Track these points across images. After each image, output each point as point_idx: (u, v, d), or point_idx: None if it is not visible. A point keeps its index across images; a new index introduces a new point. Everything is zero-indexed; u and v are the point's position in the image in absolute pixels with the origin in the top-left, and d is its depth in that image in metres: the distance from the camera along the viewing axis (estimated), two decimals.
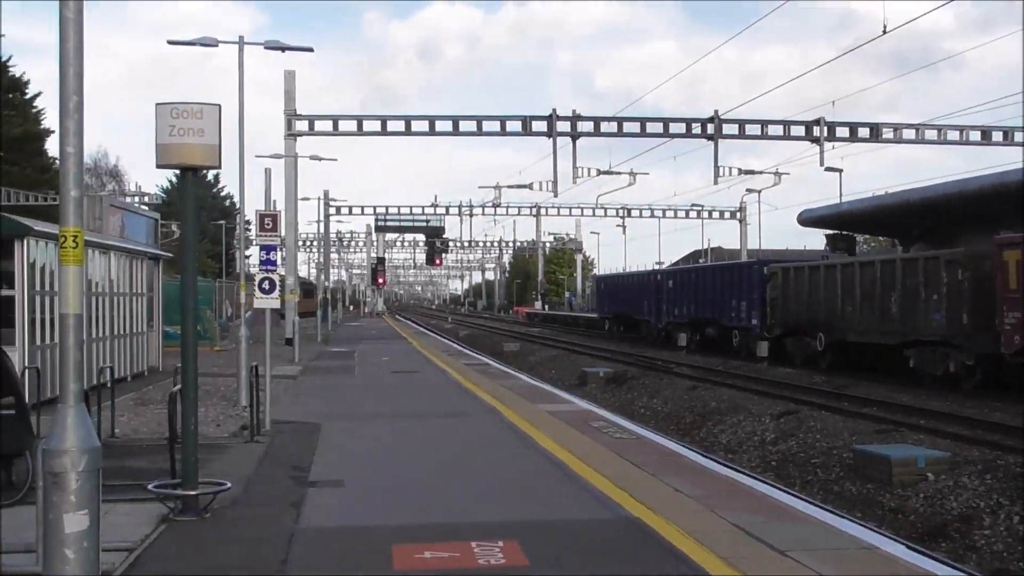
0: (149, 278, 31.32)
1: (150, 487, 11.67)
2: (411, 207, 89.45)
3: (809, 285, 39.28)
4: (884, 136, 49.92)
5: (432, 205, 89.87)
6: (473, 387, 26.63)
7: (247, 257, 68.23)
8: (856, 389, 30.36)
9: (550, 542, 9.99)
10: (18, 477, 12.07)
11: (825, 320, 37.76)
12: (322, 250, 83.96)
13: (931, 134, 49.86)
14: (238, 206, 29.17)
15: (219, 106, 11.57)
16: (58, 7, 7.15)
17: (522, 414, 20.47)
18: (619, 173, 61.82)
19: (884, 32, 35.09)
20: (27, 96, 69.66)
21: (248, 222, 50.94)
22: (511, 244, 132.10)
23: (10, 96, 68.84)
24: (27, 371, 17.09)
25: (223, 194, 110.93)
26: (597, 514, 11.27)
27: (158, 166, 11.71)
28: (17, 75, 70.18)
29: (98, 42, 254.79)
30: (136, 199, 75.93)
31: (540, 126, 49.49)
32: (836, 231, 47.28)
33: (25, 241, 20.36)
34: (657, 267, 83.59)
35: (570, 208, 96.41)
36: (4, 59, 69.76)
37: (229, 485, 12.04)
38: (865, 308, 34.89)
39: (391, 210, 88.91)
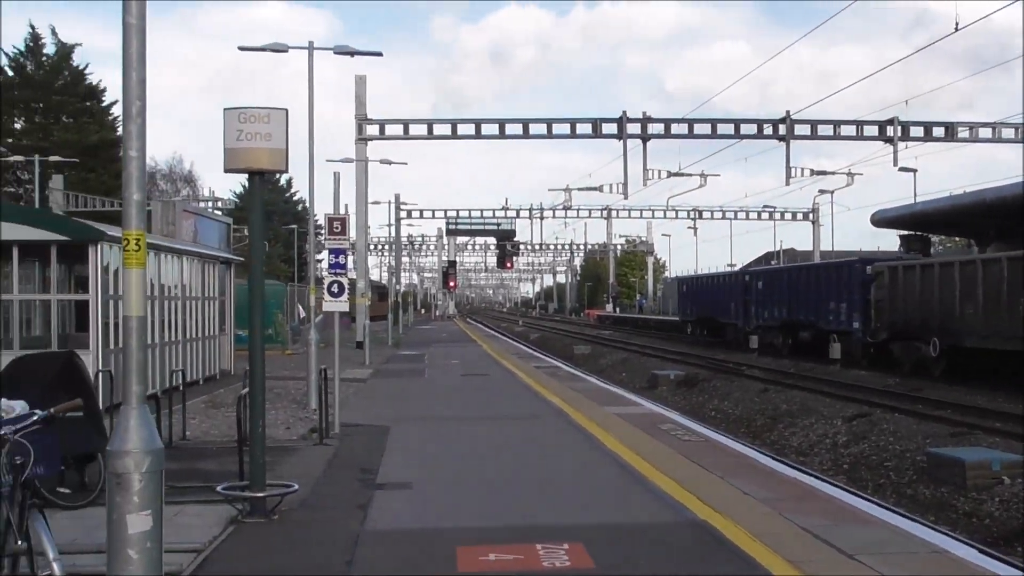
0: (221, 282, 31.61)
1: (218, 489, 11.76)
2: (482, 210, 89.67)
3: (921, 285, 35.95)
4: (959, 135, 49.29)
5: (503, 208, 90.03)
6: (542, 390, 26.59)
7: (318, 261, 68.70)
8: (931, 391, 29.93)
9: (616, 545, 9.93)
10: (91, 479, 12.21)
11: (940, 323, 34.44)
12: (393, 254, 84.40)
13: (1008, 132, 49.19)
14: (310, 211, 29.31)
15: (286, 110, 11.63)
16: (121, 13, 7.20)
17: (590, 416, 20.39)
18: (689, 175, 61.63)
19: (956, 29, 34.58)
20: (103, 104, 70.69)
21: (319, 226, 51.35)
22: (582, 247, 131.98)
23: (87, 104, 70.00)
24: (100, 374, 17.31)
25: (295, 198, 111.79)
26: (664, 517, 11.18)
27: (226, 170, 11.81)
28: (94, 83, 71.29)
29: (176, 49, 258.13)
30: (209, 204, 76.72)
31: (610, 128, 49.44)
32: (910, 232, 46.49)
33: (99, 246, 20.62)
34: (729, 269, 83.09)
35: (640, 210, 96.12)
36: (81, 67, 70.95)
37: (296, 487, 12.10)
38: (988, 310, 31.81)
39: (462, 213, 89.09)
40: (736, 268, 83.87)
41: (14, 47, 70.29)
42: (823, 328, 43.50)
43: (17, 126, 68.55)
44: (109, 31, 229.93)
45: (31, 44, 69.60)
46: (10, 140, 66.03)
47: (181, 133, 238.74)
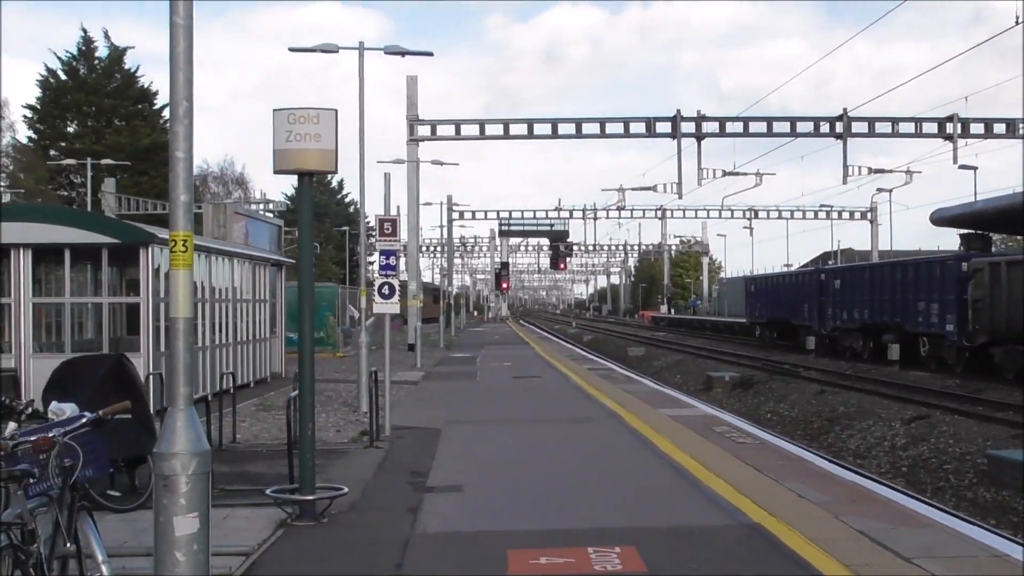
0: (272, 284, 31.80)
1: (268, 492, 11.82)
2: (534, 211, 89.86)
3: None
4: (1021, 132, 48.70)
5: (556, 209, 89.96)
6: (595, 392, 26.53)
7: (369, 263, 69.02)
8: (992, 393, 29.60)
9: (669, 548, 9.88)
10: (141, 482, 12.30)
11: None
12: (446, 255, 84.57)
13: None
14: (360, 212, 29.42)
15: (335, 111, 11.66)
16: (168, 13, 7.26)
17: (644, 419, 20.32)
18: (745, 174, 61.28)
19: (1017, 23, 34.18)
20: (155, 107, 71.37)
21: (370, 227, 51.48)
22: (636, 247, 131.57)
23: (139, 107, 70.68)
24: (151, 377, 17.45)
25: (347, 200, 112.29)
26: (718, 520, 11.12)
27: (275, 171, 11.87)
28: (146, 85, 71.97)
29: (228, 51, 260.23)
30: (260, 206, 77.24)
31: (664, 127, 49.35)
32: (971, 230, 45.80)
33: (149, 248, 20.79)
34: (786, 269, 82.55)
35: (695, 210, 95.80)
36: (133, 70, 71.64)
37: (346, 490, 12.13)
38: None
39: (514, 214, 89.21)
40: (792, 268, 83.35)
41: (66, 51, 71.15)
42: (910, 331, 40.78)
43: (70, 130, 69.42)
44: (161, 33, 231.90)
45: (83, 47, 70.38)
46: (63, 144, 66.94)
47: (233, 136, 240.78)
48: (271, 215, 61.18)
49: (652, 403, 23.72)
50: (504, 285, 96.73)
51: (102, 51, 70.93)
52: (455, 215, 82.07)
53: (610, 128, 49.29)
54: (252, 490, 12.72)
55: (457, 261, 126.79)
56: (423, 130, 49.60)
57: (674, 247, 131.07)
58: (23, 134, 69.44)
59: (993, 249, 43.11)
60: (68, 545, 6.89)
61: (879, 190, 79.39)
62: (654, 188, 68.16)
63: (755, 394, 34.51)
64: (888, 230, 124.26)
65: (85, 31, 72.11)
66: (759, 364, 44.29)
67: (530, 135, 49.53)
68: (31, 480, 6.57)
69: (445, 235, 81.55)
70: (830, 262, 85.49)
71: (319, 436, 13.38)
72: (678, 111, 48.89)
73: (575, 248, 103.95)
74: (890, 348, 41.67)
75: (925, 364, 38.90)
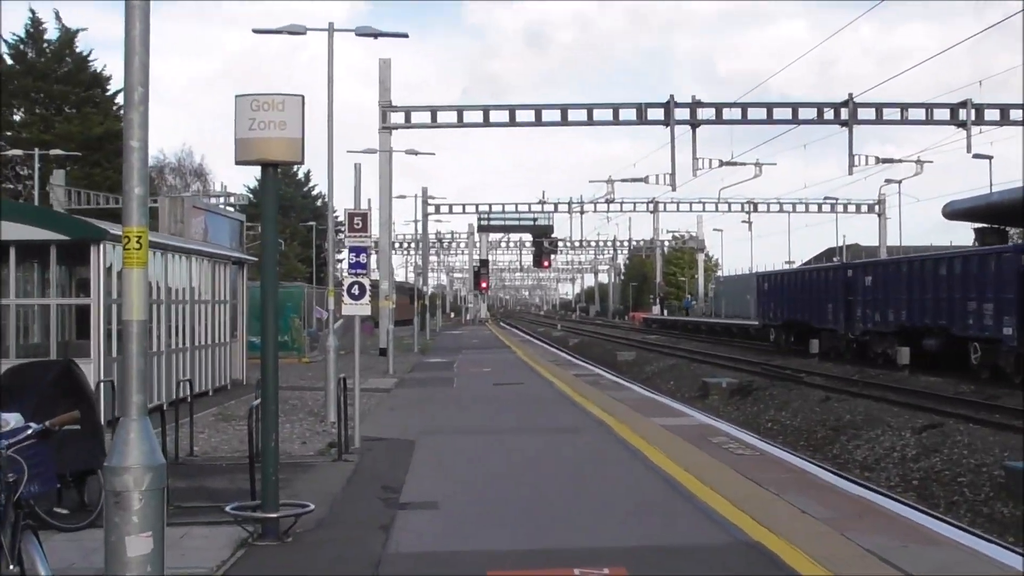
0: (233, 284, 31.74)
1: (228, 509, 11.79)
2: (516, 204, 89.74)
3: None
4: None
5: (539, 202, 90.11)
6: (582, 400, 26.56)
7: (338, 261, 68.89)
8: (1010, 400, 29.70)
9: (661, 569, 9.89)
10: (91, 498, 12.24)
11: None
12: (420, 252, 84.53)
13: None
14: (328, 206, 29.37)
15: (302, 97, 11.65)
16: None
17: (635, 429, 20.35)
18: (743, 164, 61.39)
19: None
20: (109, 93, 71.03)
21: (339, 223, 51.41)
22: (626, 243, 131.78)
23: (91, 93, 70.31)
24: (102, 384, 17.40)
25: (314, 193, 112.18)
26: (714, 538, 11.13)
27: (237, 162, 11.84)
28: (98, 70, 71.63)
29: (188, 35, 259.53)
30: (221, 200, 77.08)
31: (656, 114, 49.37)
32: (986, 224, 45.73)
33: (101, 246, 20.73)
34: (787, 267, 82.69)
35: (690, 203, 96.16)
36: (85, 54, 71.32)
37: (312, 507, 12.11)
38: None
39: (495, 208, 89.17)
40: (796, 266, 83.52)
41: (13, 34, 70.75)
42: (958, 334, 38.14)
43: (16, 118, 68.96)
44: (116, 14, 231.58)
45: (32, 30, 69.92)
46: (9, 133, 66.56)
47: (192, 124, 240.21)
48: (232, 209, 61.09)
49: (643, 411, 23.74)
50: (483, 284, 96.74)
51: (52, 33, 70.52)
52: (431, 209, 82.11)
53: (598, 114, 49.31)
54: (211, 507, 12.68)
55: (433, 259, 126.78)
56: (397, 117, 49.53)
57: (667, 243, 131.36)
58: None
59: (1009, 244, 42.52)
60: (12, 567, 6.85)
61: (887, 181, 79.60)
62: (645, 179, 68.20)
63: (755, 401, 34.59)
64: (897, 224, 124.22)
65: (33, 12, 71.98)
66: (759, 369, 44.37)
67: (512, 122, 49.51)
68: None
69: (420, 230, 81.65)
70: (835, 259, 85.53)
71: (283, 448, 13.35)
72: (671, 96, 48.93)
73: (560, 244, 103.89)
74: (898, 352, 41.49)
75: (976, 373, 36.68)
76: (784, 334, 57.67)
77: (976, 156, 56.65)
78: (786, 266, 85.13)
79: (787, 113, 50.28)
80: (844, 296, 48.58)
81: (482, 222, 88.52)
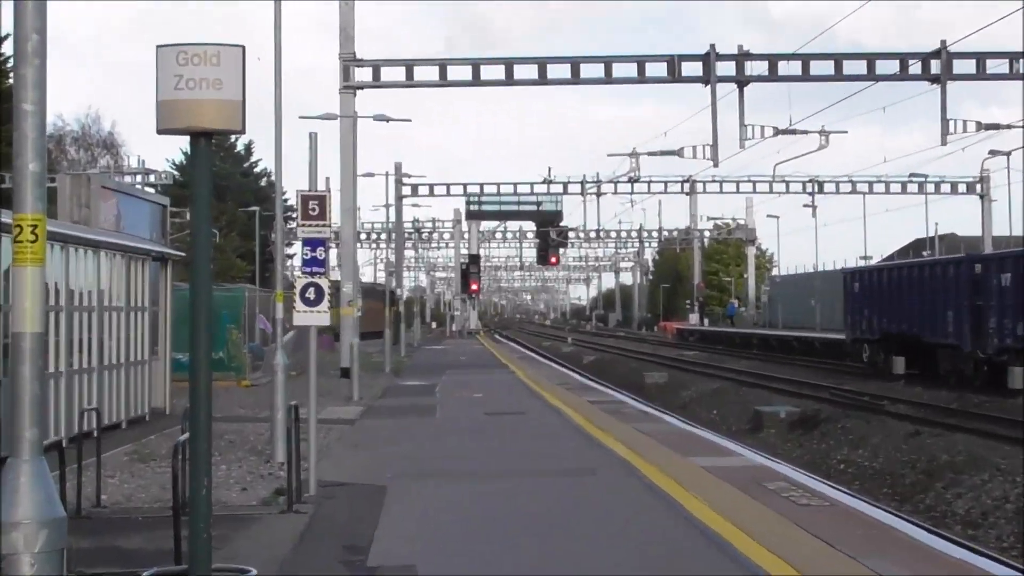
0: (154, 286, 31.70)
1: (145, 575, 11.74)
2: (515, 184, 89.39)
3: None
4: None
5: (544, 182, 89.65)
6: (600, 433, 26.55)
7: (289, 257, 68.96)
8: None
9: None
10: None
11: None
12: (393, 246, 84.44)
13: None
14: (276, 188, 29.30)
15: (242, 48, 11.56)
16: None
17: (668, 471, 20.32)
18: (804, 132, 61.26)
19: None
20: None
21: (290, 208, 51.42)
22: (655, 234, 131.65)
23: None
24: None
25: (258, 170, 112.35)
26: None
27: (159, 131, 11.75)
28: None
29: None
30: (138, 179, 77.01)
31: (693, 68, 49.30)
32: None
33: None
34: (865, 263, 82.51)
35: (737, 182, 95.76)
36: None
37: (255, 572, 12.05)
38: None
39: (487, 189, 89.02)
40: (874, 261, 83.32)
41: None
42: None
43: None
44: None
45: None
46: None
47: (101, 83, 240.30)
48: (152, 191, 61.05)
49: (678, 448, 23.73)
50: (474, 286, 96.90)
51: None
52: (406, 190, 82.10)
53: (618, 70, 49.25)
54: (124, 573, 12.64)
55: (409, 254, 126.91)
56: (362, 74, 49.40)
57: (707, 233, 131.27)
58: None
59: None
60: None
61: (992, 153, 79.65)
62: (679, 152, 68.13)
63: (822, 436, 34.53)
64: (1006, 207, 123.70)
65: None
66: (827, 395, 44.30)
67: (509, 80, 49.43)
68: None
69: (392, 218, 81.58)
70: (925, 252, 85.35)
71: (218, 497, 13.26)
72: (712, 47, 48.82)
73: (571, 235, 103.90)
74: (1011, 372, 40.90)
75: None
76: (881, 351, 54.80)
77: None
78: (862, 262, 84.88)
79: (861, 67, 50.19)
80: (969, 300, 46.22)
81: (472, 207, 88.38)
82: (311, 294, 19.05)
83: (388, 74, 49.53)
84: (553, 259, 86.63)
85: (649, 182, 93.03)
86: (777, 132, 57.59)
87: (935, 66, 48.97)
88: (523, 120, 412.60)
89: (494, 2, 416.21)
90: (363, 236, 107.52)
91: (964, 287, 46.65)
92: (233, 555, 13.20)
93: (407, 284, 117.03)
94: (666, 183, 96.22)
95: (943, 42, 48.73)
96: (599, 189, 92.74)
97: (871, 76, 50.28)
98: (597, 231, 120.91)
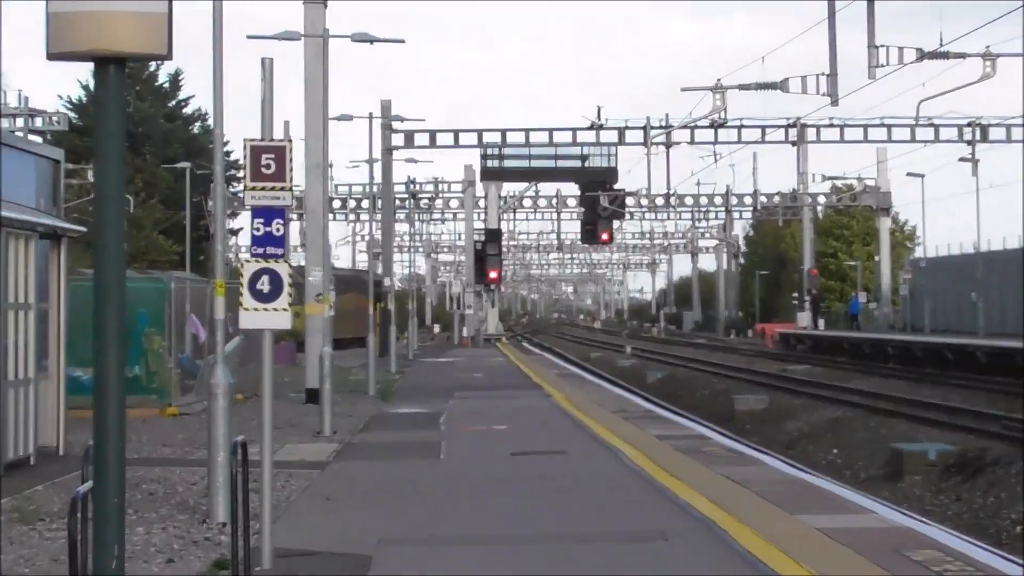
0: (42, 275, 31.71)
1: None
2: (550, 131, 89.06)
3: None
4: None
5: (592, 127, 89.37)
6: (672, 482, 26.55)
7: (232, 233, 69.03)
8: None
9: None
10: None
11: None
12: (379, 218, 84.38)
13: None
14: (215, 136, 29.23)
15: None
16: None
17: (769, 535, 20.30)
18: (962, 56, 61.21)
19: None
20: None
21: (234, 164, 51.54)
22: (747, 201, 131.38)
23: None
24: None
25: (188, 110, 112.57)
26: None
27: (50, 56, 11.76)
28: None
29: None
30: (19, 123, 77.17)
31: None
32: None
33: None
34: None
35: (864, 126, 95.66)
36: None
37: None
38: None
39: (511, 138, 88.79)
40: None
41: None
42: None
43: None
44: None
45: None
46: None
47: None
48: (40, 139, 61.20)
49: (783, 503, 23.71)
50: (493, 274, 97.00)
51: None
52: (398, 139, 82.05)
53: None
54: None
55: (402, 228, 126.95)
56: None
57: (822, 199, 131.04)
58: None
59: None
60: None
61: None
62: (782, 86, 68.25)
63: (989, 486, 34.40)
64: None
65: None
66: (997, 427, 44.09)
67: None
68: None
69: (379, 179, 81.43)
70: None
71: (135, 571, 13.21)
72: None
73: (629, 203, 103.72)
74: None
75: None
76: None
77: None
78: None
79: None
80: None
81: (490, 163, 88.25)
82: (264, 285, 19.00)
83: None
84: (604, 236, 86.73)
85: (740, 127, 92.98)
86: (922, 56, 57.49)
87: None
88: (562, 43, 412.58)
89: None
90: (337, 204, 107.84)
91: None
92: None
93: (399, 271, 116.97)
94: (764, 128, 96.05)
95: None
96: (669, 137, 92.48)
97: None
98: (666, 196, 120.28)
